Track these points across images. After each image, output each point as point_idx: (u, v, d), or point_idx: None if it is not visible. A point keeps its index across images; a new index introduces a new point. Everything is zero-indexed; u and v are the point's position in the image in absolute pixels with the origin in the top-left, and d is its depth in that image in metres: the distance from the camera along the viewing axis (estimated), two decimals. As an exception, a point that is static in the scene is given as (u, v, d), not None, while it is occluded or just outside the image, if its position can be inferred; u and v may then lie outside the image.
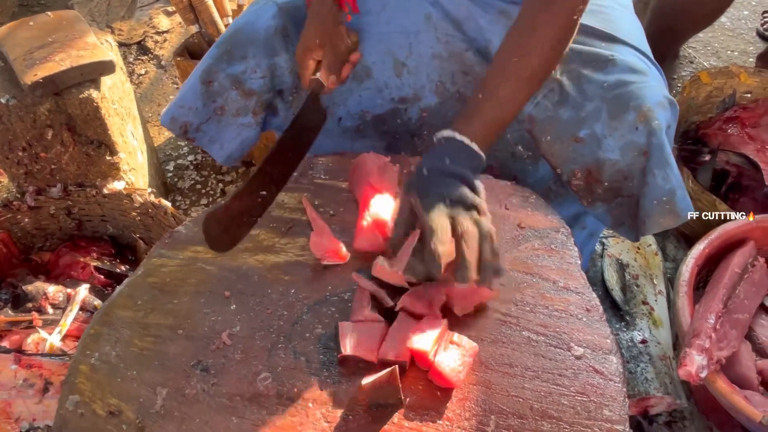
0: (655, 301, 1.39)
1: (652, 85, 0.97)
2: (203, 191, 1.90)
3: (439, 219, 0.78)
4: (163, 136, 2.11)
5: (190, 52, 1.77)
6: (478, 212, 0.81)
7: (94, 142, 1.38)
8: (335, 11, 1.05)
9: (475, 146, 0.86)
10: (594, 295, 0.87)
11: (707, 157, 1.59)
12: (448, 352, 0.76)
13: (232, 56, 1.09)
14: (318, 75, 1.02)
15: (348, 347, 0.78)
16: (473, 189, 0.83)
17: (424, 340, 0.76)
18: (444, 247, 0.75)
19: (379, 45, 1.11)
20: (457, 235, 0.77)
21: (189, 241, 0.96)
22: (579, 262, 0.92)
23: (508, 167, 1.12)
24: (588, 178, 1.01)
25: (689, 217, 0.95)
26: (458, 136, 0.86)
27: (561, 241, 0.95)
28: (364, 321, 0.80)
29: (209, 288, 0.89)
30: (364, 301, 0.82)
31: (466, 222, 0.78)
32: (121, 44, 2.50)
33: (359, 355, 0.77)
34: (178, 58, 1.71)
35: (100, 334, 0.84)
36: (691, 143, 1.72)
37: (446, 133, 0.87)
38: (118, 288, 0.90)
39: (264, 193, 0.92)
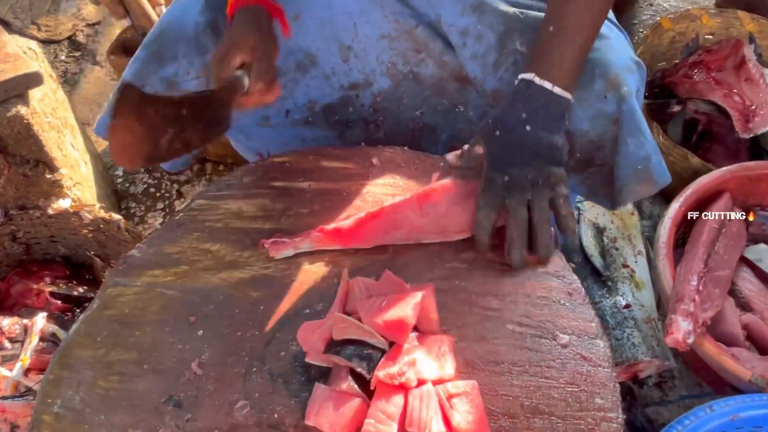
0: (635, 262, 1.40)
1: (616, 49, 0.95)
2: (158, 194, 1.84)
3: (519, 211, 0.84)
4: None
5: (125, 47, 1.69)
6: (555, 187, 0.85)
7: (31, 162, 1.31)
8: (269, 17, 0.96)
9: (557, 90, 0.85)
10: (575, 277, 0.87)
11: (676, 108, 1.59)
12: (458, 409, 0.71)
13: (162, 57, 1.04)
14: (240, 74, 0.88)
15: (313, 417, 0.72)
16: (555, 158, 0.85)
17: (424, 421, 0.69)
18: (519, 253, 0.85)
19: (322, 30, 1.07)
20: (530, 228, 0.85)
21: (145, 266, 0.92)
22: (557, 242, 0.91)
23: None
24: None
25: (666, 184, 0.95)
26: (537, 80, 0.85)
27: (536, 222, 0.94)
28: (340, 391, 0.73)
29: (172, 315, 0.86)
30: (342, 372, 0.75)
31: (515, 205, 0.84)
32: (49, 41, 2.38)
33: (322, 429, 0.71)
34: (113, 56, 1.64)
35: (61, 379, 0.81)
36: (658, 91, 1.72)
37: (526, 76, 0.86)
38: (74, 325, 0.86)
39: (184, 113, 0.82)
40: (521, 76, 0.88)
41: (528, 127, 0.85)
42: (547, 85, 0.85)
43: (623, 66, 0.93)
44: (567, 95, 0.87)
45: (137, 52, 1.07)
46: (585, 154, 0.98)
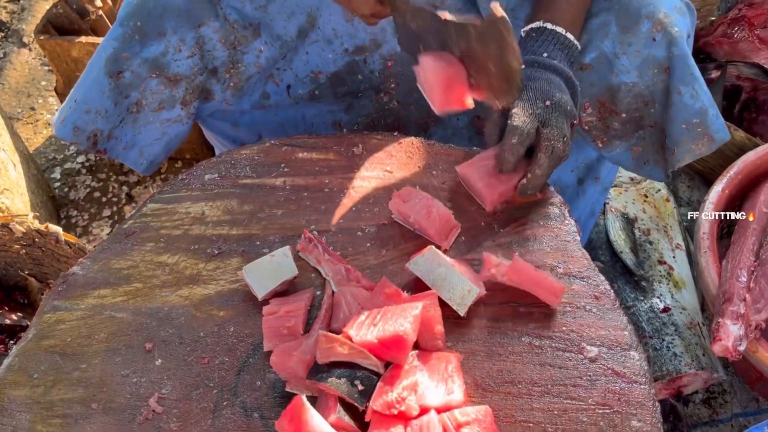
0: (673, 258, 1.41)
1: None
2: (104, 200, 1.83)
3: (528, 124, 0.88)
4: (40, 135, 2.03)
5: (57, 26, 1.68)
6: (572, 123, 0.92)
7: (-53, 166, 1.30)
8: None
9: (570, 35, 0.95)
10: (602, 278, 0.87)
11: (715, 74, 1.60)
12: None
13: (145, 34, 1.03)
14: None
15: None
16: (573, 89, 0.94)
17: None
18: (514, 158, 0.90)
19: None
20: (540, 147, 0.89)
21: (89, 285, 0.91)
22: (578, 237, 0.92)
23: None
24: (601, 112, 1.03)
25: (724, 141, 0.98)
26: (550, 26, 0.95)
27: (554, 213, 0.94)
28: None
29: (124, 342, 0.86)
30: (329, 401, 0.75)
31: (555, 136, 0.89)
32: (-34, 22, 2.37)
33: None
34: (42, 37, 1.63)
35: (-8, 425, 0.80)
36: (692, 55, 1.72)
37: (535, 24, 0.96)
38: (6, 360, 0.86)
39: None
40: (530, 25, 0.97)
41: (553, 61, 0.93)
42: (560, 29, 0.95)
43: (671, 5, 0.97)
44: (577, 42, 0.97)
45: (111, 29, 1.05)
46: (632, 113, 1.01)
